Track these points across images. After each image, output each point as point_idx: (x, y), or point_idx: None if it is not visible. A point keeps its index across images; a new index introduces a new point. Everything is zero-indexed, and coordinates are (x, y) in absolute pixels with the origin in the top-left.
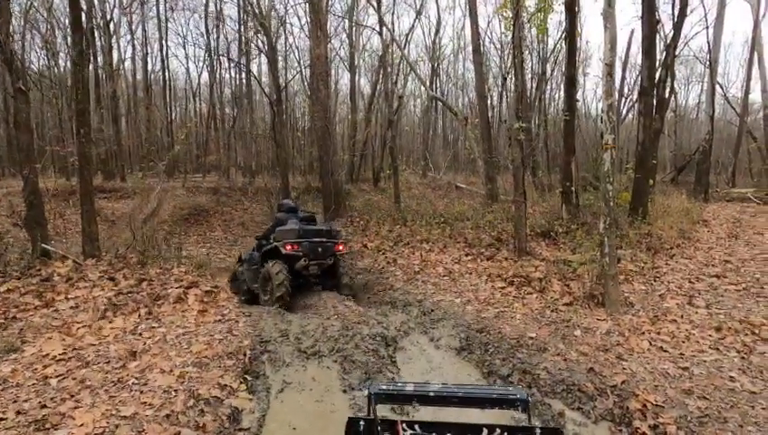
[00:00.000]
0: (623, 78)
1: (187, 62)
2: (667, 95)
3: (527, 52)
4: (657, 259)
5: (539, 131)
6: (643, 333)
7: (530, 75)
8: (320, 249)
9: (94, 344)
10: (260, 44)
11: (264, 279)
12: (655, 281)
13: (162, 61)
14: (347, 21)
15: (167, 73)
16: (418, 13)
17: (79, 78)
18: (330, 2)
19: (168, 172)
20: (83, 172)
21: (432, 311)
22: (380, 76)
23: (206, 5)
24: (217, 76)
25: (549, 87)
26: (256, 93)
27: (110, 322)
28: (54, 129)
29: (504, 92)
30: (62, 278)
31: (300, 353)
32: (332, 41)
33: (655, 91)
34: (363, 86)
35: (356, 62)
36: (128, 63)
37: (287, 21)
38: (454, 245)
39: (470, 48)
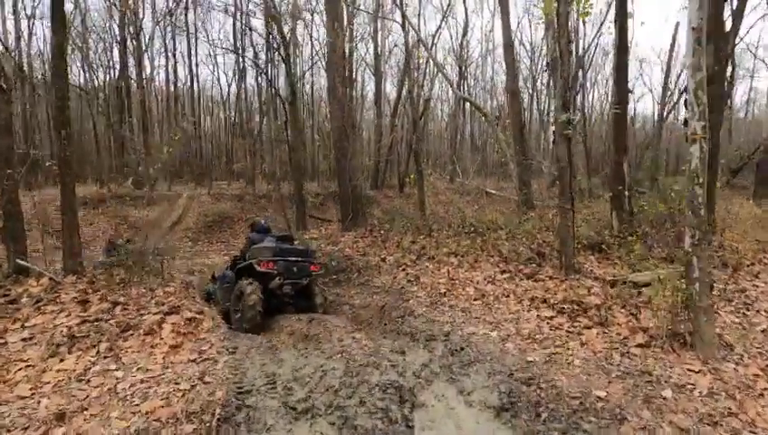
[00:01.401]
0: (667, 74)
1: (217, 72)
2: (726, 88)
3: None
4: (740, 279)
5: (577, 129)
6: (761, 394)
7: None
8: (295, 269)
9: (24, 397)
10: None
11: (237, 297)
12: (747, 310)
13: (191, 70)
14: (371, 25)
15: (195, 83)
16: (445, 15)
17: (62, 72)
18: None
19: (196, 180)
20: (64, 178)
21: (462, 349)
22: (406, 79)
23: (235, 15)
24: (245, 84)
25: (590, 80)
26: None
27: (60, 360)
28: (86, 136)
29: (535, 94)
30: (31, 300)
31: (287, 411)
32: (357, 45)
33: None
34: (389, 92)
35: (381, 67)
36: (156, 72)
37: (305, 16)
38: (486, 259)
39: (498, 50)
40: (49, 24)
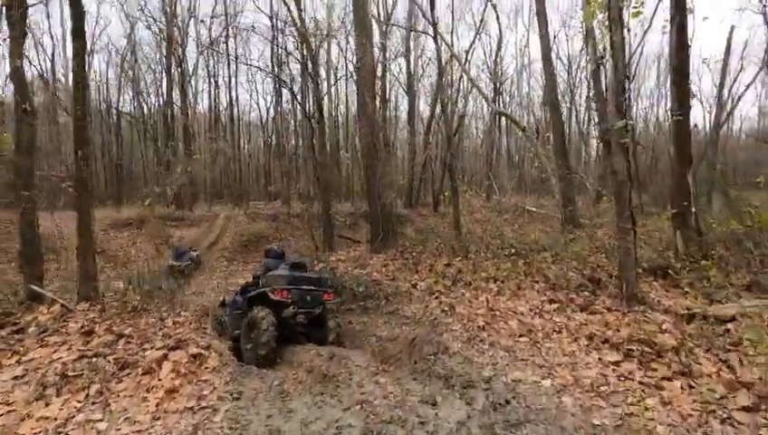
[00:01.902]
0: (722, 79)
1: (257, 96)
2: None
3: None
4: None
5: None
6: None
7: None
8: (308, 298)
9: None
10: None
11: (249, 326)
12: None
13: (230, 96)
14: (403, 44)
15: (235, 108)
16: (478, 31)
17: (79, 93)
18: (383, 13)
19: (234, 201)
20: (81, 200)
21: (507, 402)
22: (439, 95)
23: (273, 39)
24: (281, 107)
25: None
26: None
27: (46, 404)
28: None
29: (573, 108)
30: (38, 330)
31: None
32: (390, 65)
33: None
34: (423, 110)
35: (414, 85)
36: (199, 98)
37: (336, 34)
38: (531, 286)
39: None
40: (89, 55)
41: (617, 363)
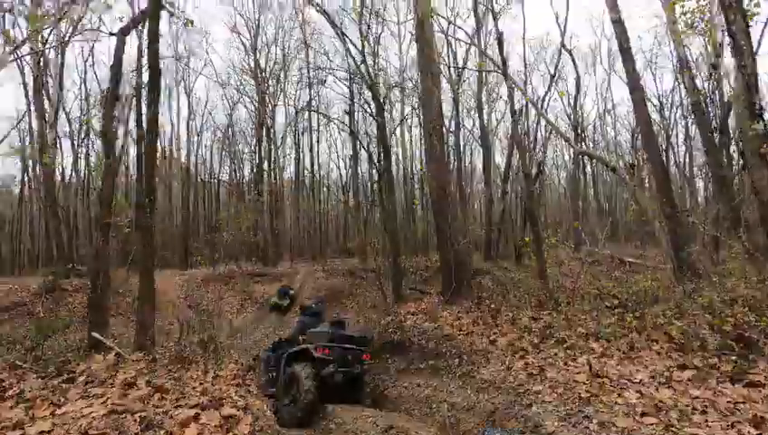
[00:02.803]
0: None
1: (338, 159)
2: None
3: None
4: None
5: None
6: None
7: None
8: (349, 357)
9: None
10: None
11: (288, 383)
12: None
13: (312, 160)
14: (475, 99)
15: (317, 169)
16: (553, 77)
17: (149, 149)
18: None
19: (314, 257)
20: (145, 247)
21: None
22: (514, 145)
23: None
24: (359, 165)
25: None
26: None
27: None
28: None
29: (670, 148)
30: (86, 379)
31: None
32: (464, 120)
33: None
34: (498, 162)
35: (489, 138)
36: (287, 163)
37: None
38: (648, 346)
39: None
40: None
41: None
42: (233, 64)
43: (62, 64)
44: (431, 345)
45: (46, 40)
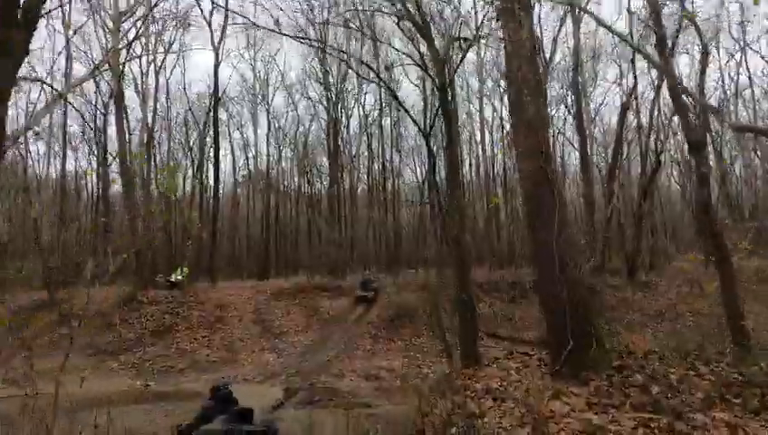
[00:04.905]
0: None
1: (414, 165)
2: None
3: None
4: None
5: None
6: None
7: None
8: None
9: None
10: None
11: None
12: None
13: (383, 166)
14: (566, 91)
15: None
16: (673, 45)
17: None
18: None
19: (387, 268)
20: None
21: None
22: (623, 128)
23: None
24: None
25: None
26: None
27: None
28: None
29: None
30: None
31: None
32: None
33: None
34: (599, 163)
35: (585, 127)
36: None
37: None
38: None
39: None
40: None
41: None
42: (305, 74)
43: None
44: None
45: None
